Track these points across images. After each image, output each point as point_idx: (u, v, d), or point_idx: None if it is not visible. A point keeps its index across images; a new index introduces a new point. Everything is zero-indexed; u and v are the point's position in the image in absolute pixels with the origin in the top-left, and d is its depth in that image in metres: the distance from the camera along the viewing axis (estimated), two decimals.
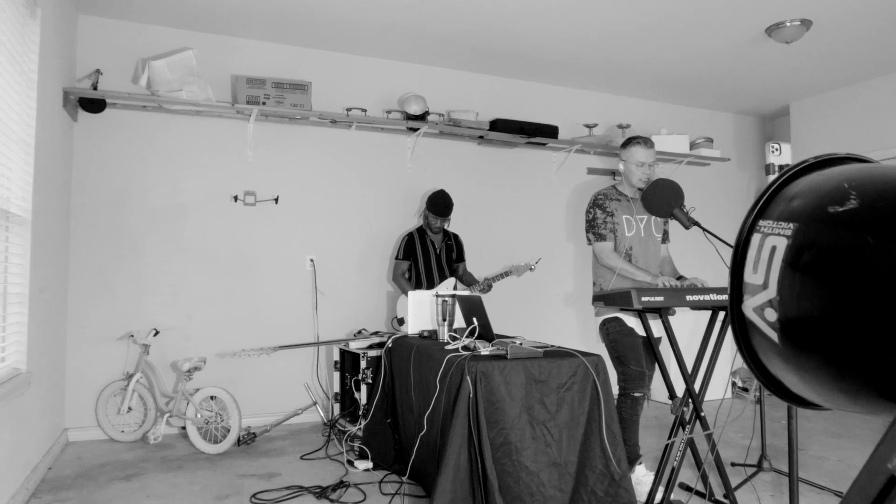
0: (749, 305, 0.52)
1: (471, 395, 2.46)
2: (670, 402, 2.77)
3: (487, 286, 4.44)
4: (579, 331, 5.59)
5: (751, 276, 0.51)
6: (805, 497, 3.06)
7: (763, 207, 0.55)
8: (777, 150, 2.50)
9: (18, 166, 3.07)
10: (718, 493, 3.06)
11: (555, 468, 2.56)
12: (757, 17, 4.20)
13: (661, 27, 4.34)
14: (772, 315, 0.50)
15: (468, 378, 2.48)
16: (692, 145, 5.75)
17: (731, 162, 6.36)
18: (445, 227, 4.55)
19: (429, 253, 4.45)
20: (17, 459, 2.95)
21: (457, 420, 2.46)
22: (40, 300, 3.33)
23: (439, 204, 4.43)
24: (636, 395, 3.00)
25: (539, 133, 5.08)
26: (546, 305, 5.46)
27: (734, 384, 5.68)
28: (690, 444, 2.80)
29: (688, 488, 3.15)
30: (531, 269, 4.56)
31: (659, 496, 2.76)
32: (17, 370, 3.04)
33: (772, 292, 0.48)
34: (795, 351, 0.49)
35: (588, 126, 5.40)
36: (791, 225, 0.48)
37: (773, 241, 0.49)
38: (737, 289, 0.53)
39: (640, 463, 3.14)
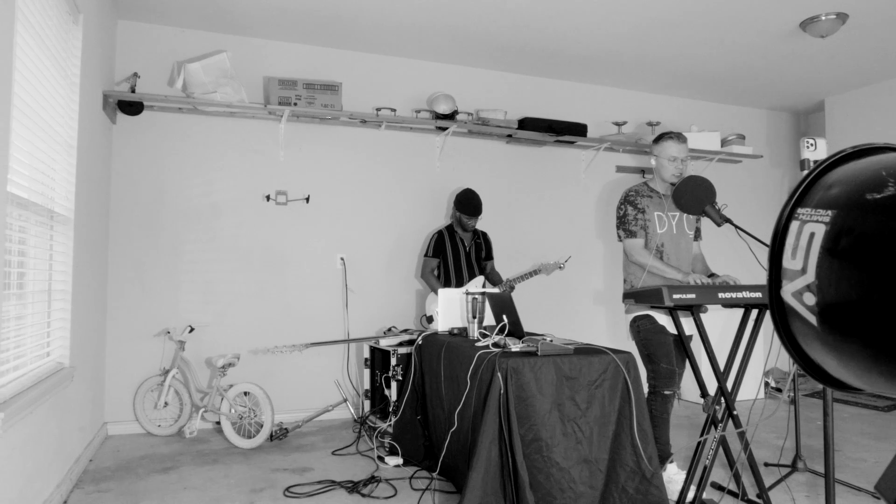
0: (788, 290, 0.52)
1: (501, 392, 2.48)
2: (702, 400, 2.75)
3: (510, 287, 4.43)
4: (609, 329, 5.56)
5: (789, 262, 0.52)
6: (841, 498, 3.01)
7: (801, 196, 0.56)
8: (812, 145, 2.46)
9: (62, 167, 3.18)
10: (752, 493, 3.02)
11: (585, 465, 2.56)
12: (791, 11, 4.13)
13: (692, 22, 4.30)
14: (811, 299, 0.51)
15: (499, 374, 2.50)
16: (724, 142, 5.67)
17: (764, 159, 6.26)
18: (475, 227, 4.56)
19: (458, 251, 4.47)
20: (62, 451, 3.06)
21: (488, 416, 2.47)
22: (82, 297, 3.43)
23: (469, 204, 4.42)
24: (666, 392, 2.98)
25: (568, 131, 5.06)
26: (576, 303, 5.44)
27: (767, 384, 5.58)
28: (722, 442, 2.77)
29: (720, 488, 3.12)
30: (560, 267, 4.55)
31: (691, 495, 2.73)
32: (61, 364, 3.15)
33: (810, 277, 0.49)
34: (834, 334, 0.50)
35: (617, 124, 5.37)
36: (829, 212, 0.49)
37: (812, 228, 0.50)
38: (776, 275, 0.54)
39: (672, 461, 3.11)
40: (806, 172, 0.59)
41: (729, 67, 5.16)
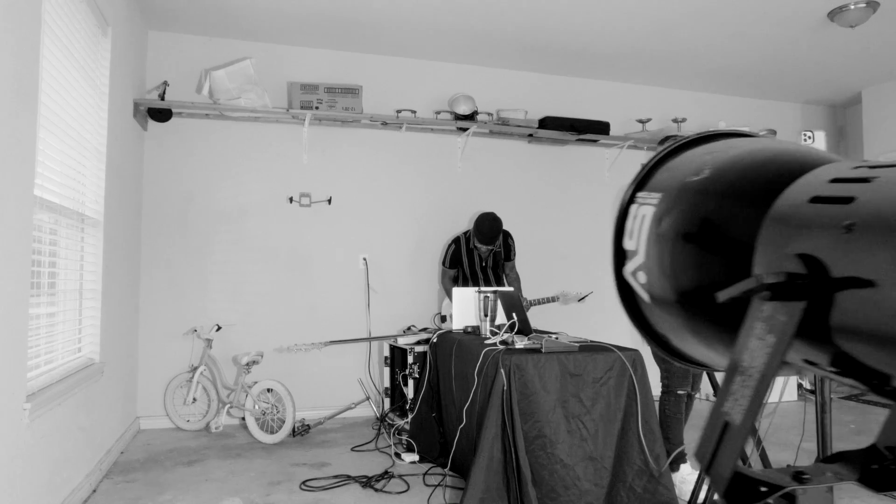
0: (627, 270, 0.54)
1: (504, 388, 2.50)
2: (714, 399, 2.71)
3: (528, 305, 4.39)
4: (625, 329, 5.48)
5: (628, 243, 0.54)
6: (860, 499, 2.92)
7: (643, 180, 0.58)
8: (810, 137, 2.40)
9: (92, 173, 3.34)
10: None
11: (590, 462, 2.56)
12: (819, 1, 4.02)
13: (717, 16, 4.22)
14: (643, 278, 0.53)
15: (502, 371, 2.52)
16: None
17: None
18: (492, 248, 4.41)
19: (474, 261, 4.47)
20: (91, 442, 3.21)
21: (491, 411, 2.50)
22: (113, 296, 3.60)
23: (479, 232, 4.26)
24: (680, 392, 2.95)
25: (590, 130, 5.03)
26: (591, 303, 5.39)
27: (800, 386, 5.43)
28: None
29: None
30: (579, 300, 4.52)
31: (703, 496, 2.70)
32: (91, 360, 3.31)
33: (641, 257, 0.51)
34: (660, 309, 0.52)
35: (641, 121, 5.31)
36: (657, 195, 0.51)
37: (644, 211, 0.52)
38: (618, 255, 0.57)
39: (686, 461, 3.08)
40: (652, 157, 0.61)
41: (757, 61, 5.04)
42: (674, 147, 0.59)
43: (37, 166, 2.53)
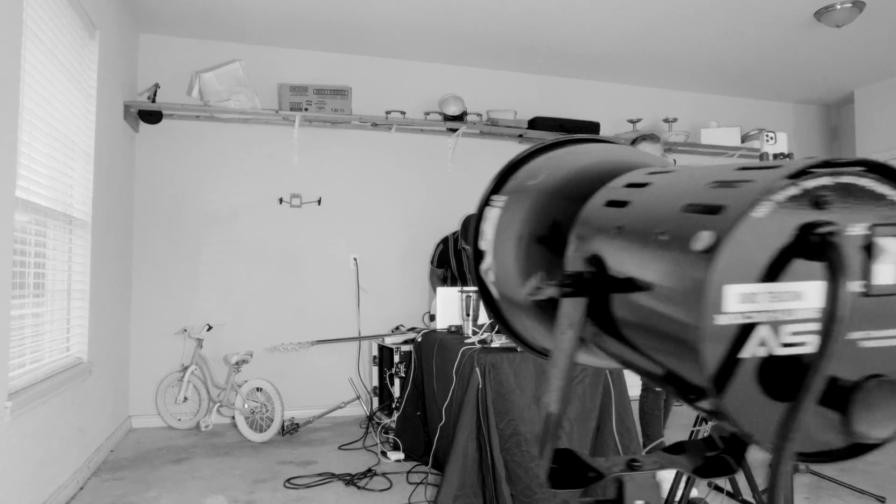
0: (482, 269, 0.57)
1: (480, 386, 2.52)
2: None
3: None
4: None
5: (482, 244, 0.57)
6: (841, 499, 2.93)
7: (500, 183, 0.61)
8: (772, 138, 2.42)
9: (80, 174, 3.39)
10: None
11: None
12: (805, 1, 4.02)
13: (704, 16, 4.23)
14: (492, 276, 0.56)
15: (477, 369, 2.54)
16: (744, 138, 5.55)
17: (793, 154, 6.07)
18: None
19: (462, 261, 4.51)
20: (80, 440, 3.25)
21: (466, 409, 2.52)
22: (101, 296, 3.64)
23: (464, 233, 4.38)
24: (658, 389, 2.97)
25: (579, 130, 5.05)
26: None
27: None
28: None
29: (717, 488, 3.08)
30: None
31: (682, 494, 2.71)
32: (80, 360, 3.35)
33: (490, 257, 0.54)
34: (505, 303, 0.55)
35: (632, 121, 5.32)
36: (504, 198, 0.54)
37: (494, 213, 0.55)
38: (477, 255, 0.59)
39: None
40: (509, 160, 0.63)
41: (747, 61, 5.05)
42: (532, 150, 0.62)
43: (20, 168, 2.57)
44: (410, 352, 3.78)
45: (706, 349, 0.32)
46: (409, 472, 3.33)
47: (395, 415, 3.78)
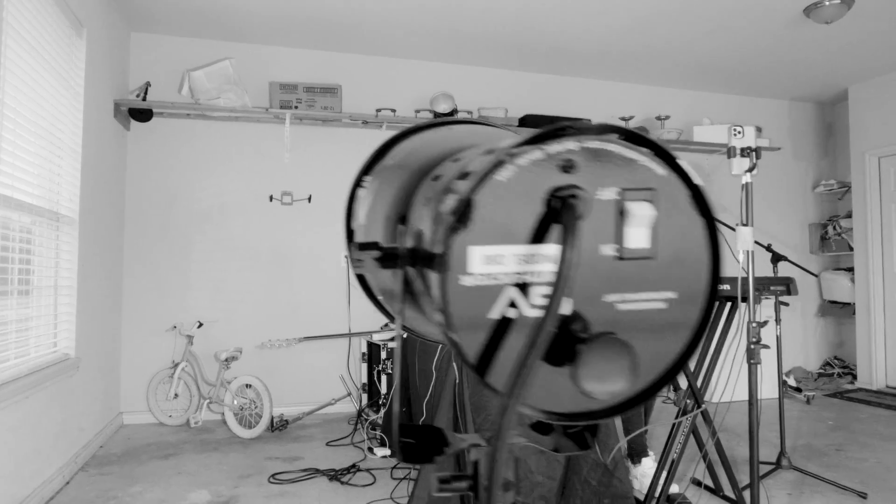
0: (353, 247, 0.58)
1: (456, 381, 2.53)
2: (674, 394, 2.73)
3: None
4: None
5: (354, 224, 0.58)
6: (823, 496, 2.93)
7: (371, 165, 0.62)
8: (740, 133, 2.42)
9: (67, 172, 3.41)
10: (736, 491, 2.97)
11: (542, 455, 2.58)
12: None
13: (693, 12, 4.23)
14: (363, 255, 0.57)
15: (454, 364, 2.55)
16: None
17: (787, 151, 6.06)
18: None
19: None
20: (66, 435, 3.27)
21: (443, 405, 2.53)
22: (90, 293, 3.66)
23: None
24: None
25: None
26: None
27: (785, 383, 5.41)
28: (694, 433, 2.75)
29: (698, 483, 3.08)
30: None
31: (661, 488, 2.72)
32: (67, 356, 3.37)
33: (361, 236, 0.55)
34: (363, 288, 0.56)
35: (624, 119, 5.32)
36: (371, 178, 0.55)
37: (363, 193, 0.56)
38: (349, 234, 0.60)
39: (649, 456, 3.10)
40: (381, 143, 0.64)
41: (738, 58, 5.04)
42: (404, 132, 0.63)
43: (2, 165, 2.59)
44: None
45: (453, 310, 0.32)
46: (393, 467, 3.34)
47: (383, 411, 3.79)
